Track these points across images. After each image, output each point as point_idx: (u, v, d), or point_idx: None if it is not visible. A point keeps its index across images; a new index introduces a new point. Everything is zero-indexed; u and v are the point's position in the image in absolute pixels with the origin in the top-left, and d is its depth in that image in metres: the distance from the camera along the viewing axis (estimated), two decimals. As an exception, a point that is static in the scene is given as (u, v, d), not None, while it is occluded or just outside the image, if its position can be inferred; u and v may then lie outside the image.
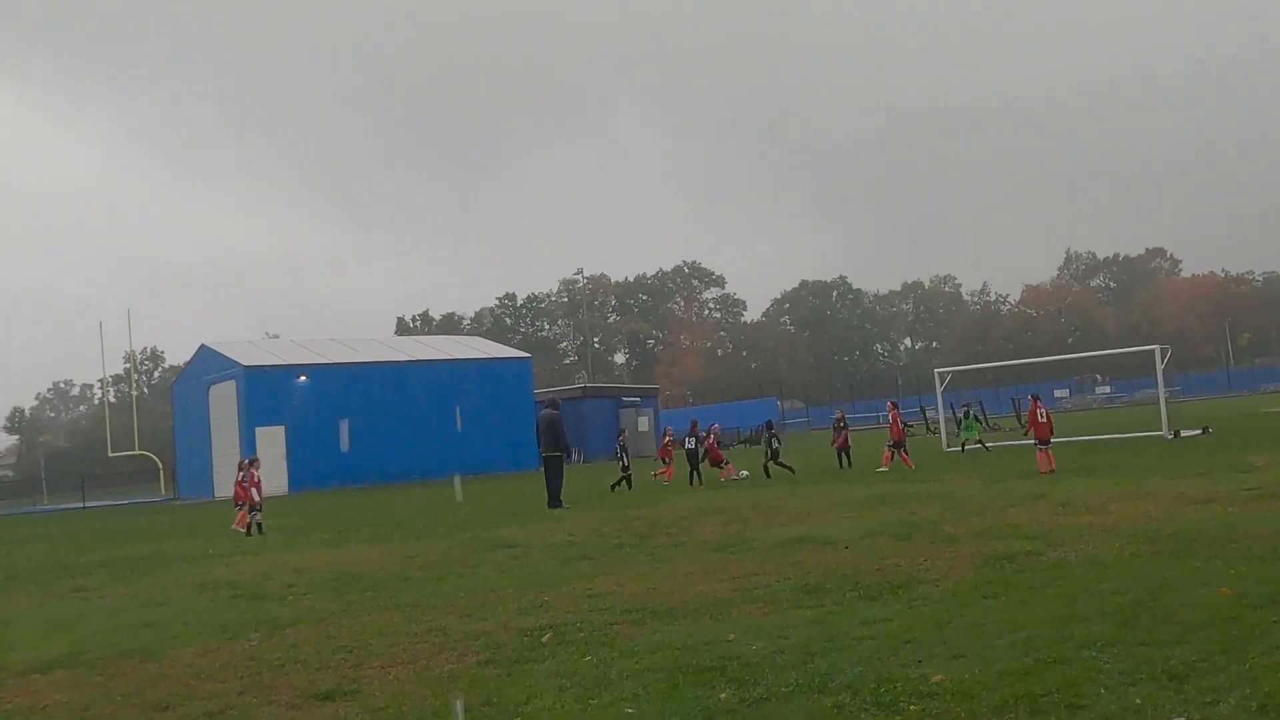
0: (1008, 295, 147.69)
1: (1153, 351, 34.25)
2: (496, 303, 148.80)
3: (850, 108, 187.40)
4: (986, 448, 31.58)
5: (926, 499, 16.88)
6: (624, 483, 26.56)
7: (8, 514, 53.09)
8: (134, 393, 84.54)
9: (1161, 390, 33.70)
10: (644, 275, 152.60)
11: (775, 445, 28.14)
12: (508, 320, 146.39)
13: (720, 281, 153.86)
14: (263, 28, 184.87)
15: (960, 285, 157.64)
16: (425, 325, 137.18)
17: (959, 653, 6.58)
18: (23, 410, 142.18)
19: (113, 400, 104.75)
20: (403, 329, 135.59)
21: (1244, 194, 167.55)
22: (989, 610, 7.82)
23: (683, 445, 27.41)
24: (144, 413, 74.42)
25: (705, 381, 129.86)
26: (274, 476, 42.22)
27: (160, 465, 65.95)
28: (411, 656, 7.91)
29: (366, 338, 60.59)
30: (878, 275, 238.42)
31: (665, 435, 28.98)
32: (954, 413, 45.02)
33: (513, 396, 53.96)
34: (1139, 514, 12.74)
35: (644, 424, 59.36)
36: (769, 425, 29.82)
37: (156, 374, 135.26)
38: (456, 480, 14.21)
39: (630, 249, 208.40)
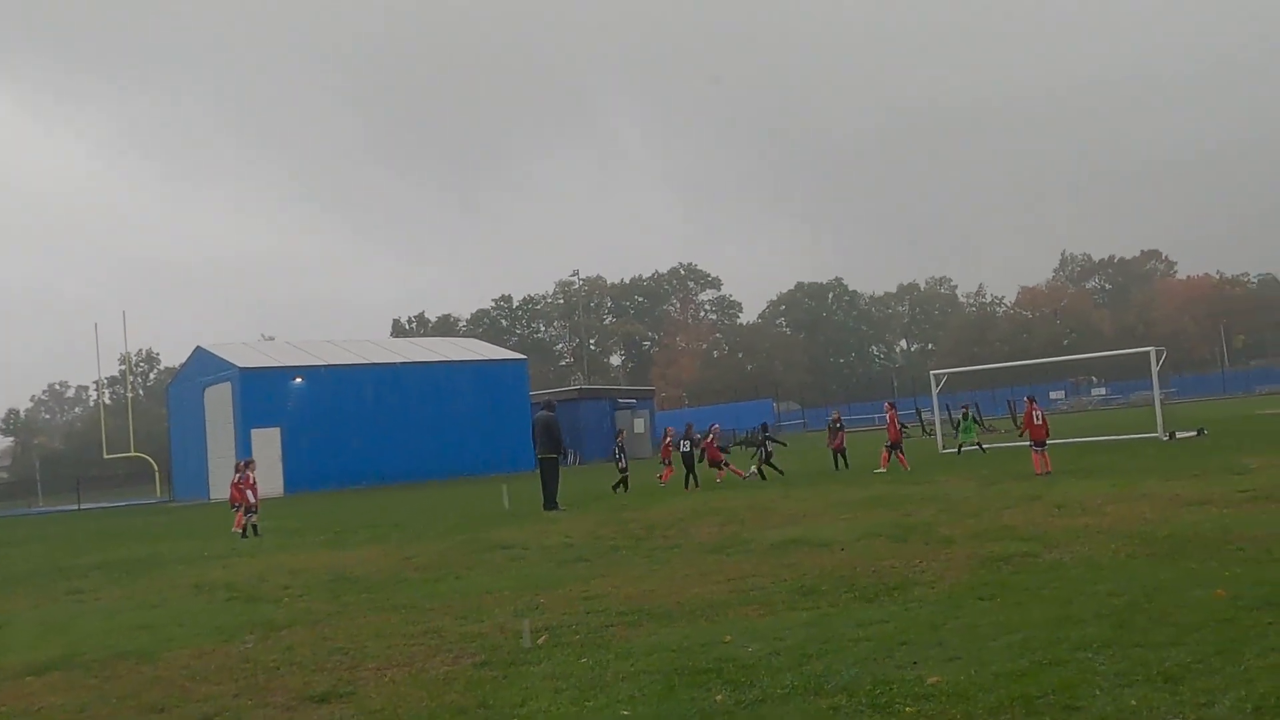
0: (1003, 297, 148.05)
1: (1148, 353, 34.30)
2: (492, 304, 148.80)
3: (846, 109, 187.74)
4: (982, 449, 31.60)
5: (922, 501, 16.89)
6: (622, 484, 26.57)
7: (3, 516, 53.03)
8: (129, 394, 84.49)
9: (1157, 392, 33.74)
10: (640, 277, 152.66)
11: (769, 448, 28.16)
12: (504, 322, 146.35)
13: (716, 283, 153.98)
14: (260, 27, 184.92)
15: (956, 287, 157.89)
16: (421, 327, 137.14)
17: (954, 654, 6.58)
18: (18, 412, 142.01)
19: (108, 402, 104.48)
20: (398, 330, 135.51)
21: (1239, 196, 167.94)
22: (984, 612, 7.83)
23: (678, 448, 27.40)
24: (139, 414, 74.37)
25: (701, 383, 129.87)
26: (270, 478, 42.19)
27: (156, 467, 65.87)
28: (407, 658, 7.91)
29: (362, 339, 60.59)
30: (873, 277, 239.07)
31: (666, 436, 28.97)
32: (949, 415, 45.11)
33: (508, 398, 53.98)
34: (1134, 516, 12.75)
35: (640, 426, 59.36)
36: (764, 427, 29.82)
37: (152, 376, 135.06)
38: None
39: (626, 251, 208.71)
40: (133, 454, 65.87)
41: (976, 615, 7.71)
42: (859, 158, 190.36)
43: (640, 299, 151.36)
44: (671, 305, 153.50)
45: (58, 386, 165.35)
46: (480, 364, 55.76)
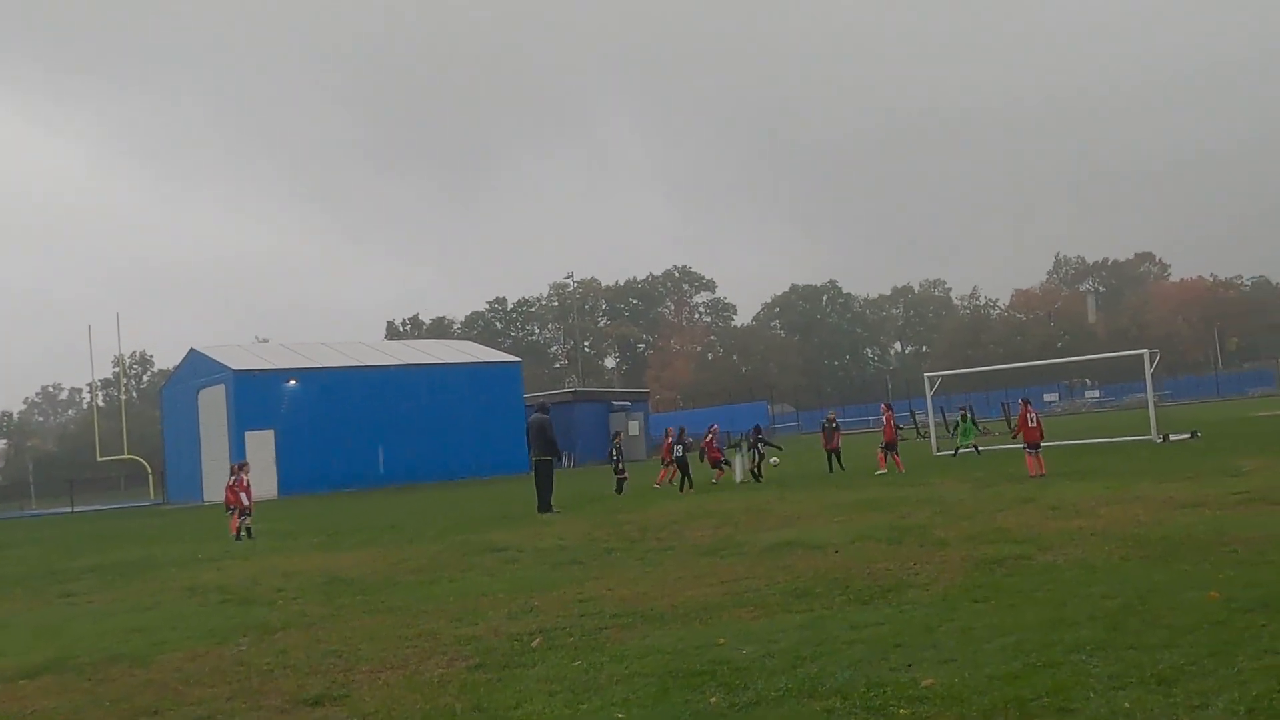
0: (997, 299, 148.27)
1: (1142, 356, 34.33)
2: (487, 307, 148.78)
3: (840, 112, 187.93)
4: (978, 451, 31.63)
5: (916, 503, 16.90)
6: (620, 486, 26.55)
7: (-5, 518, 52.87)
8: (123, 397, 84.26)
9: (1150, 394, 33.79)
10: (634, 279, 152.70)
11: (761, 450, 28.18)
12: (498, 324, 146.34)
13: (711, 286, 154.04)
14: (254, 29, 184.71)
15: (950, 289, 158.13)
16: (415, 329, 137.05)
17: (949, 657, 6.59)
18: (11, 414, 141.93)
19: (101, 404, 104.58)
20: (393, 333, 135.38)
21: (1233, 198, 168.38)
22: (979, 614, 7.83)
23: (666, 453, 27.36)
24: (133, 417, 74.22)
25: (695, 385, 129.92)
26: (263, 481, 42.12)
27: (149, 469, 65.77)
28: (401, 661, 7.90)
29: (356, 342, 60.54)
30: (868, 279, 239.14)
31: (667, 437, 28.91)
32: (944, 417, 45.13)
33: (503, 401, 53.95)
34: (1128, 518, 12.77)
35: (634, 428, 59.35)
36: (757, 430, 29.82)
37: (146, 378, 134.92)
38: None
39: (621, 253, 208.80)
40: (126, 456, 65.75)
41: (971, 617, 7.72)
42: (853, 160, 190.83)
43: (635, 301, 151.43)
44: (666, 307, 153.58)
45: (51, 388, 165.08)
46: (474, 366, 55.75)
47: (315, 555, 16.65)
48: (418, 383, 52.42)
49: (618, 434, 30.91)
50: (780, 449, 29.83)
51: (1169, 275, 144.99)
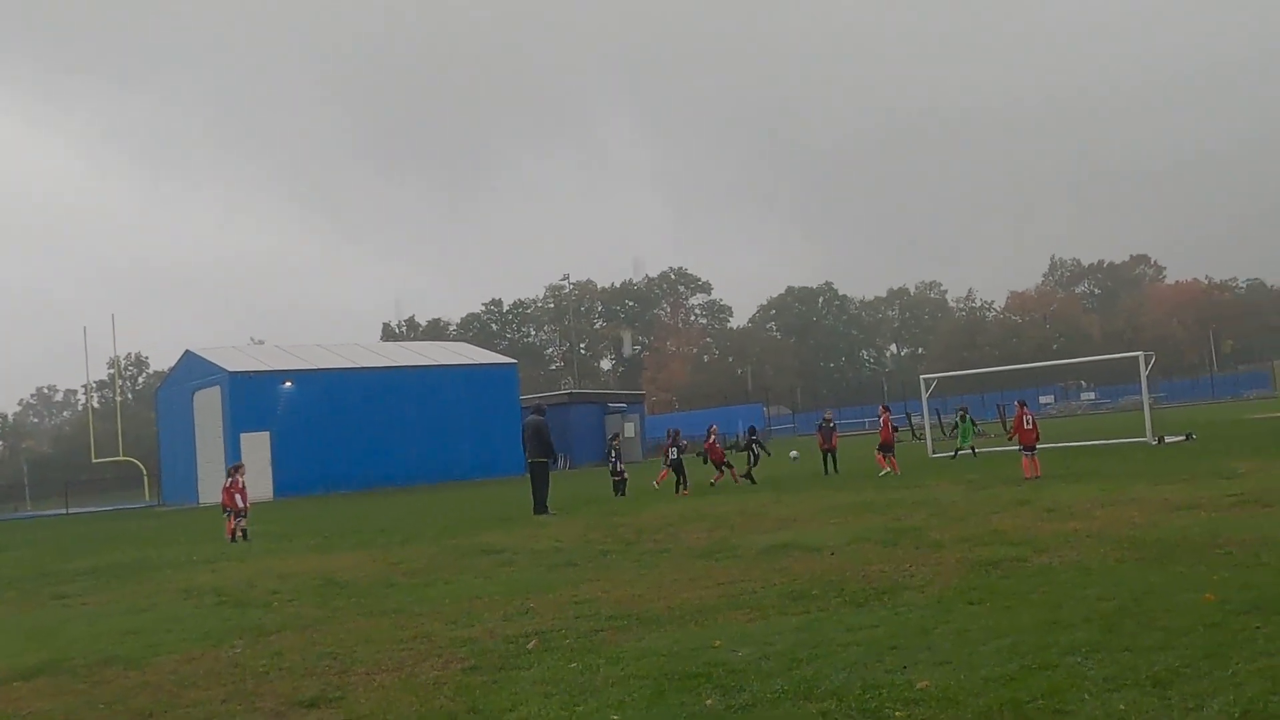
0: (993, 302, 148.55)
1: (1137, 358, 34.40)
2: (482, 308, 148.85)
3: (835, 114, 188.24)
4: (974, 453, 31.66)
5: (912, 505, 16.90)
6: (620, 488, 26.53)
7: (-10, 520, 52.78)
8: (118, 398, 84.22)
9: (1146, 396, 33.86)
10: (630, 281, 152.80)
11: (756, 451, 28.20)
12: (494, 326, 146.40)
13: (706, 288, 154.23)
14: (249, 30, 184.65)
15: (946, 291, 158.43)
16: (411, 331, 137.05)
17: (944, 659, 6.59)
18: (6, 416, 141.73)
19: (97, 406, 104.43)
20: (388, 335, 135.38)
21: (1228, 201, 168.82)
22: (974, 616, 7.84)
23: (666, 454, 27.36)
24: (128, 418, 74.11)
25: (691, 387, 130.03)
26: (259, 483, 42.06)
27: (144, 471, 65.70)
28: (397, 663, 7.89)
29: (352, 343, 60.51)
30: (864, 281, 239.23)
31: (669, 437, 28.89)
32: (939, 419, 45.18)
33: (498, 402, 53.94)
34: (1123, 520, 12.78)
35: (630, 430, 59.39)
36: (752, 431, 29.82)
37: (141, 379, 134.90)
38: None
39: (617, 255, 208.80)
40: (121, 458, 65.70)
41: (966, 620, 7.72)
42: (850, 162, 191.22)
43: (630, 303, 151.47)
44: (662, 309, 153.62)
45: (46, 390, 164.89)
46: (470, 368, 55.74)
47: (311, 557, 16.62)
48: (413, 385, 52.40)
49: (615, 436, 30.87)
50: (769, 454, 29.80)
51: (1164, 277, 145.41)
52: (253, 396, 48.25)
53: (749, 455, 28.28)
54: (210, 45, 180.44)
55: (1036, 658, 6.38)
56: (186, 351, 55.50)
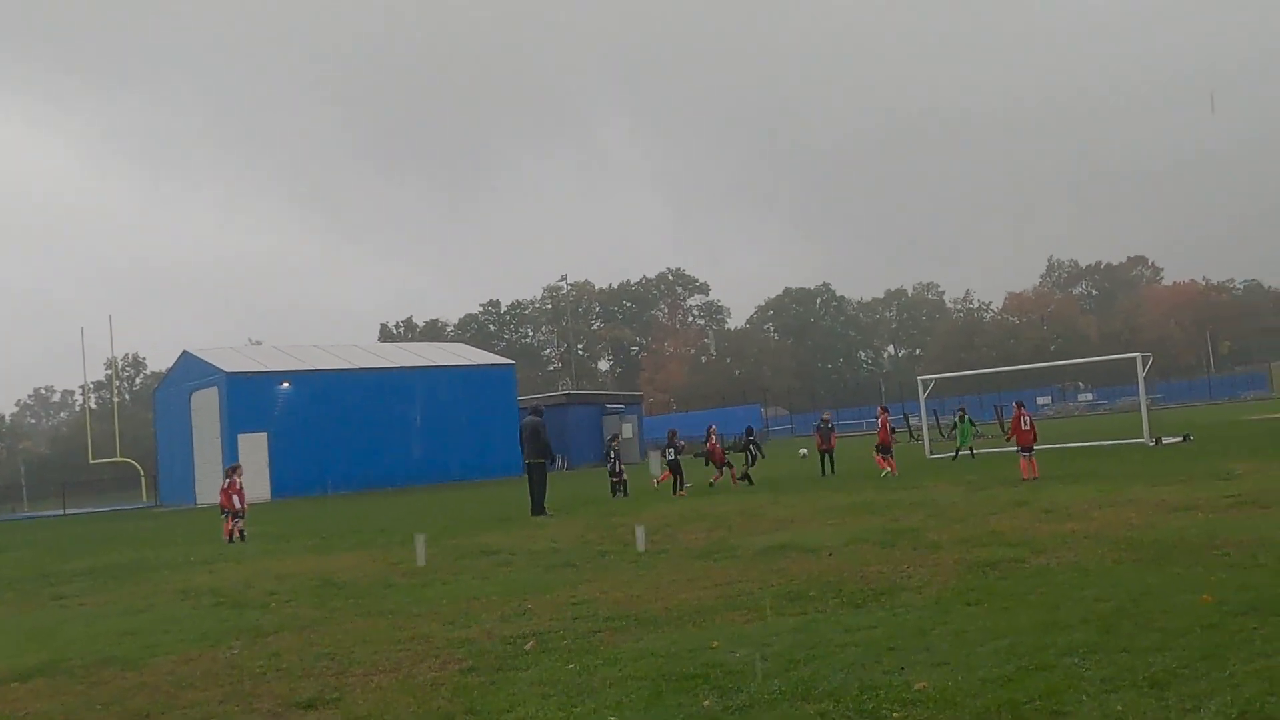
0: (990, 303, 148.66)
1: (1134, 359, 34.43)
2: (480, 309, 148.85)
3: (833, 115, 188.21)
4: (972, 454, 31.68)
5: (910, 506, 16.91)
6: (621, 489, 26.52)
7: (-13, 521, 52.72)
8: (115, 399, 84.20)
9: (1143, 397, 33.89)
10: (628, 282, 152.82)
11: (753, 452, 28.20)
12: (491, 327, 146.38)
13: (704, 288, 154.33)
14: (247, 31, 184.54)
15: (943, 292, 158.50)
16: (409, 332, 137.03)
17: (942, 660, 6.59)
18: (3, 416, 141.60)
19: (94, 406, 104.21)
20: (386, 335, 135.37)
21: (1226, 202, 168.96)
22: (972, 617, 7.84)
23: (662, 455, 27.35)
24: (125, 419, 74.09)
25: (689, 388, 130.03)
26: (257, 484, 42.04)
27: (142, 472, 65.67)
28: (394, 664, 7.89)
29: (349, 344, 60.49)
30: (861, 283, 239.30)
31: (667, 439, 28.89)
32: (936, 420, 45.20)
33: (496, 403, 53.90)
34: (1121, 521, 12.79)
35: (628, 431, 59.39)
36: (749, 431, 29.82)
37: (138, 380, 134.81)
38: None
39: (614, 255, 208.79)
40: (119, 459, 65.66)
41: (964, 620, 7.73)
42: (848, 163, 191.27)
43: (628, 304, 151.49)
44: (660, 310, 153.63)
45: (43, 391, 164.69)
46: (468, 369, 55.71)
47: (308, 558, 16.62)
48: (411, 385, 52.35)
49: (615, 437, 30.85)
50: (764, 456, 29.79)
51: (1161, 279, 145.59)
52: (250, 397, 48.20)
53: (746, 455, 28.28)
54: (210, 45, 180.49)
55: (1034, 659, 6.39)
56: (184, 352, 55.45)
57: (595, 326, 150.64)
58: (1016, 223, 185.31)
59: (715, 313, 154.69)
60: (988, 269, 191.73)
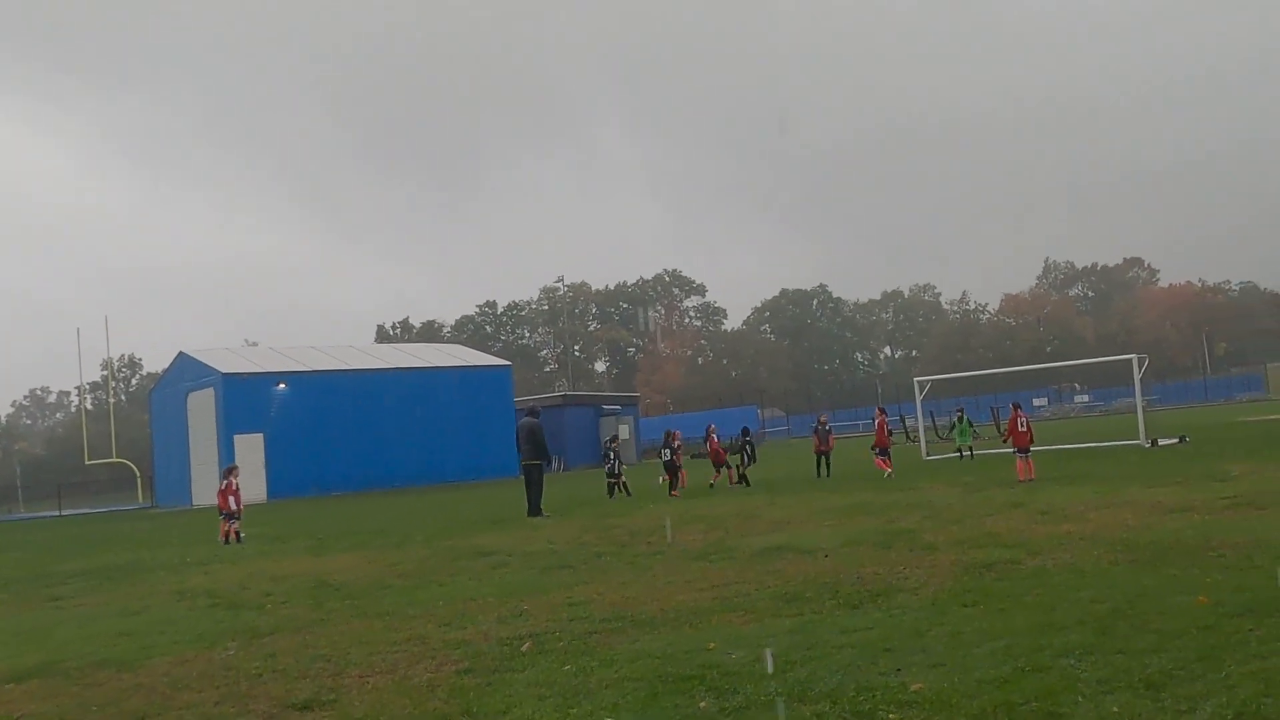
0: (987, 304, 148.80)
1: (1130, 360, 34.46)
2: (477, 310, 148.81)
3: (831, 117, 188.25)
4: (970, 455, 31.69)
5: (906, 507, 16.92)
6: (622, 489, 26.50)
7: (-17, 522, 52.65)
8: (111, 400, 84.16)
9: (1139, 399, 33.92)
10: (624, 283, 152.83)
11: (748, 453, 28.20)
12: (488, 328, 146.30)
13: (701, 290, 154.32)
14: (243, 31, 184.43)
15: (940, 294, 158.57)
16: (405, 333, 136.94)
17: (938, 661, 6.59)
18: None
19: (90, 408, 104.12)
20: (382, 337, 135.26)
21: (1222, 204, 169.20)
22: (968, 618, 7.84)
23: (659, 455, 27.34)
24: (121, 420, 74.05)
25: (686, 390, 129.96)
26: (253, 484, 42.03)
27: (138, 473, 65.60)
28: (390, 665, 7.88)
29: (346, 345, 60.47)
30: (858, 284, 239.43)
31: (674, 439, 28.90)
32: (933, 422, 45.23)
33: (493, 404, 53.91)
34: (1117, 522, 12.80)
35: (624, 432, 59.42)
36: (745, 432, 29.82)
37: (134, 381, 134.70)
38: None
39: (611, 257, 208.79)
40: (115, 460, 65.63)
41: (960, 622, 7.73)
42: (844, 165, 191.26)
43: (625, 305, 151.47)
44: (656, 311, 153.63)
45: (39, 392, 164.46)
46: (464, 370, 55.71)
47: (304, 559, 16.61)
48: (407, 386, 52.35)
49: (614, 438, 30.81)
50: (755, 461, 29.77)
51: (1157, 280, 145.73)
52: (246, 398, 48.18)
53: (742, 456, 28.28)
54: (209, 45, 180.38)
55: (1030, 660, 6.39)
56: (180, 353, 55.41)
57: (592, 328, 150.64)
58: (1012, 224, 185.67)
59: (712, 314, 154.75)
60: (984, 270, 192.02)
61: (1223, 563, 9.33)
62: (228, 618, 10.95)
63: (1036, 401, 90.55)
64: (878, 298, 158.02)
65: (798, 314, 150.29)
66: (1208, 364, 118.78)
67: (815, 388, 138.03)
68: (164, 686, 7.76)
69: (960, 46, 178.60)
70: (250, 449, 46.56)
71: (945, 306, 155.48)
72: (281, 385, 49.19)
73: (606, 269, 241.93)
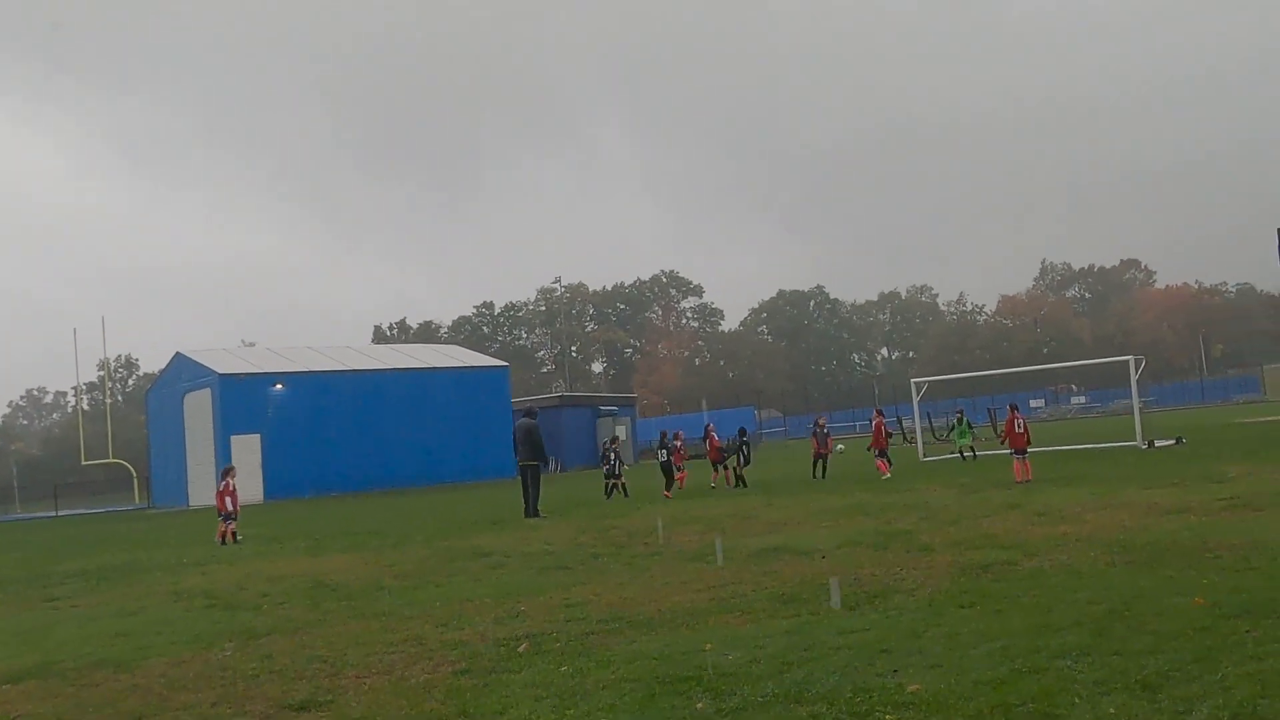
0: (984, 305, 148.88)
1: (1127, 362, 34.48)
2: (474, 311, 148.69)
3: (829, 118, 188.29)
4: (968, 456, 31.69)
5: (903, 509, 16.93)
6: (621, 490, 26.49)
7: (-21, 522, 52.58)
8: (108, 400, 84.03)
9: (1136, 400, 33.95)
10: (622, 284, 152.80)
11: (745, 454, 28.22)
12: (485, 329, 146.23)
13: (698, 291, 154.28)
14: (240, 32, 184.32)
15: (937, 295, 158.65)
16: (402, 334, 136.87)
17: (935, 662, 6.59)
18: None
19: (86, 408, 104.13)
20: (380, 337, 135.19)
21: (1218, 206, 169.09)
22: (965, 620, 7.84)
23: (656, 456, 27.33)
24: (118, 421, 73.97)
25: (683, 391, 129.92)
26: (249, 485, 41.99)
27: (134, 473, 65.53)
28: (387, 666, 7.88)
29: (343, 346, 60.43)
30: (855, 285, 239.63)
31: (677, 439, 28.91)
32: (930, 423, 45.26)
33: (490, 405, 53.91)
34: (1114, 524, 12.81)
35: (621, 433, 59.42)
36: (742, 432, 29.82)
37: (131, 382, 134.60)
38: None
39: (608, 258, 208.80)
40: (111, 460, 65.51)
41: (957, 623, 7.73)
42: (841, 166, 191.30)
43: (622, 306, 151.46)
44: (653, 312, 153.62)
45: (36, 392, 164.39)
46: (462, 371, 55.70)
47: (301, 560, 16.60)
48: (404, 387, 52.33)
49: (614, 439, 30.75)
50: (749, 463, 29.75)
51: (1154, 282, 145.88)
52: (243, 399, 48.15)
53: (739, 456, 28.28)
54: (207, 46, 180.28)
55: (1027, 661, 6.39)
56: (177, 354, 55.36)
57: (589, 329, 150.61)
58: (1009, 225, 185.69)
59: (709, 315, 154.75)
60: (981, 271, 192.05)
61: (1219, 564, 9.33)
62: (224, 618, 10.95)
63: (1033, 403, 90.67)
64: (875, 299, 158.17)
65: (795, 315, 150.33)
66: (1204, 365, 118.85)
67: (812, 389, 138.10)
68: (161, 687, 7.75)
69: (960, 46, 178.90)
70: (247, 450, 46.53)
71: (942, 308, 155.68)
72: (278, 386, 49.16)
73: (604, 270, 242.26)
